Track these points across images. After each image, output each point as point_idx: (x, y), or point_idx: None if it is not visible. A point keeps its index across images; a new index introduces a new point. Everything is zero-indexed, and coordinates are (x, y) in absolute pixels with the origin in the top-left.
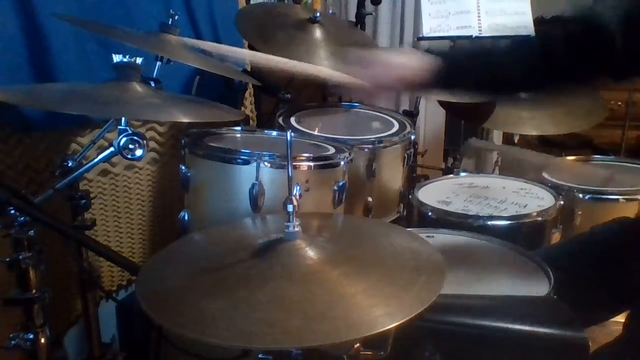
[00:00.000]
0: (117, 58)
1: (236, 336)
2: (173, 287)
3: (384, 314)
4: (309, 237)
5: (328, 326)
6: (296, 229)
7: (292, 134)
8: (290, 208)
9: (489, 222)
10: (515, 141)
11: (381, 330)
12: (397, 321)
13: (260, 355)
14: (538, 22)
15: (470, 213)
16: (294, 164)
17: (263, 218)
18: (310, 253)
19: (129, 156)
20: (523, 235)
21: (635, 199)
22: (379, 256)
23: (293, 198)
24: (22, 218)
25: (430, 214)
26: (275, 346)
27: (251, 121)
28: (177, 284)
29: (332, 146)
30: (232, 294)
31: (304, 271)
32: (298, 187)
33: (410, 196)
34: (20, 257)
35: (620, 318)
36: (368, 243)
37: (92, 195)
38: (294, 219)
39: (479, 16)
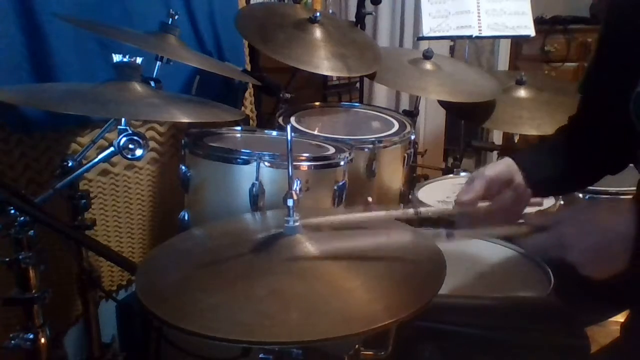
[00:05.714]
0: (117, 58)
1: (234, 329)
2: (172, 280)
3: (383, 309)
4: (309, 231)
5: (327, 320)
6: (296, 224)
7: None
8: (290, 203)
9: None
10: (515, 141)
11: (380, 324)
12: (397, 316)
13: (261, 355)
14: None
15: None
16: (294, 163)
17: (263, 213)
18: (310, 247)
19: (129, 156)
20: None
21: None
22: (379, 251)
23: (293, 192)
24: (22, 218)
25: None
26: (273, 339)
27: (251, 121)
28: (177, 278)
29: (332, 146)
30: (232, 288)
31: (303, 265)
32: (298, 181)
33: (410, 196)
34: (20, 257)
35: (620, 318)
36: (368, 238)
37: (92, 195)
38: (294, 213)
39: (479, 16)
